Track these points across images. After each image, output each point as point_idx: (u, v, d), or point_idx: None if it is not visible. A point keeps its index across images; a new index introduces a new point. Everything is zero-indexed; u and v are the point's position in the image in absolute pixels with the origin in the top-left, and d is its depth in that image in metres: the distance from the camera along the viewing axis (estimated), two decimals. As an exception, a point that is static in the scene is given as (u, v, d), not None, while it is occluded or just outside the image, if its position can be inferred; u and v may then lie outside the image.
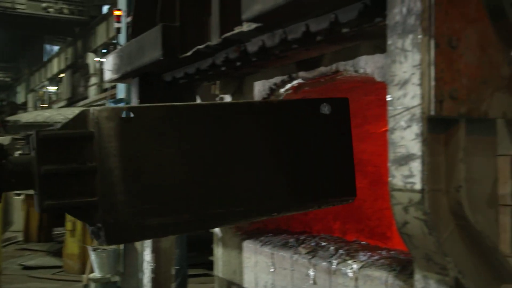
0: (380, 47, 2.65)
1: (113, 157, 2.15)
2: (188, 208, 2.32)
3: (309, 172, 2.57)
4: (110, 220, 2.16)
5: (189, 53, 3.19)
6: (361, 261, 2.78)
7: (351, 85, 3.27)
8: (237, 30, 2.71)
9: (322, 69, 3.04)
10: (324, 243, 3.20)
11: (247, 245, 3.65)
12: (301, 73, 3.21)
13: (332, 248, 3.05)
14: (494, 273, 1.86)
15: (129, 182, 2.19)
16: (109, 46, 20.05)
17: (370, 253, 2.87)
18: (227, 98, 4.08)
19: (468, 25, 1.74)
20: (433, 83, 1.67)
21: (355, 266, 2.76)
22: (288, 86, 3.37)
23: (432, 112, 1.68)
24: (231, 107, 2.61)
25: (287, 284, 3.22)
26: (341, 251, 2.98)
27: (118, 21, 7.33)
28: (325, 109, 2.53)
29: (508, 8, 1.87)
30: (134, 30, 3.78)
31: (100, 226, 2.18)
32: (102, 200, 2.15)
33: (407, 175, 1.74)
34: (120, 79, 4.15)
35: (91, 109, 2.18)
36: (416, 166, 1.71)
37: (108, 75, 4.23)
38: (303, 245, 3.22)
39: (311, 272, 3.02)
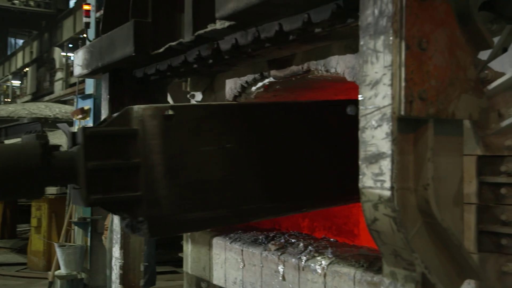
0: (351, 47, 2.70)
1: (156, 153, 2.24)
2: (225, 203, 2.45)
3: (337, 170, 2.70)
4: (153, 214, 2.26)
5: (161, 50, 3.19)
6: (330, 258, 2.82)
7: (321, 84, 3.32)
8: (210, 27, 2.72)
9: (294, 68, 3.08)
10: (293, 240, 3.24)
11: (217, 241, 3.67)
12: (273, 72, 3.25)
13: (301, 244, 3.09)
14: (458, 269, 1.92)
15: (171, 178, 2.28)
16: (77, 41, 19.77)
17: (338, 250, 2.92)
18: (198, 96, 4.09)
19: (437, 28, 1.79)
20: (403, 83, 1.72)
21: (323, 262, 2.80)
22: (260, 84, 3.40)
23: (402, 112, 1.72)
24: (265, 107, 2.74)
25: (256, 281, 3.26)
26: (310, 247, 3.02)
27: (87, 16, 7.25)
28: (351, 109, 2.60)
29: (475, 12, 1.93)
30: (105, 25, 3.75)
31: (142, 220, 2.26)
32: (146, 195, 2.24)
33: (377, 173, 1.78)
34: (90, 74, 4.12)
35: (136, 107, 2.26)
36: (386, 164, 1.75)
37: (78, 70, 4.19)
38: (272, 242, 3.26)
39: (280, 268, 3.06)
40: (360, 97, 1.86)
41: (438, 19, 1.79)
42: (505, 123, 2.12)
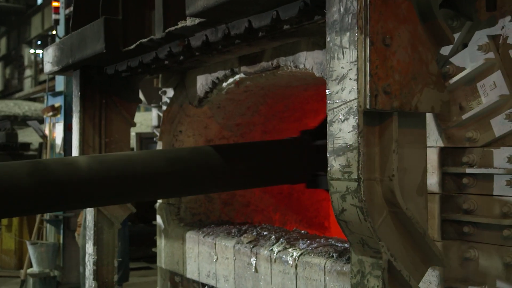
0: (318, 43, 2.76)
1: None
2: None
3: None
4: None
5: (132, 47, 3.22)
6: (301, 249, 2.89)
7: (290, 80, 3.38)
8: (180, 24, 2.76)
9: (264, 64, 3.13)
10: (265, 233, 3.30)
11: (190, 235, 3.72)
12: (243, 68, 3.30)
13: (273, 237, 3.16)
14: (423, 256, 2.00)
15: None
16: (45, 38, 19.51)
17: (309, 241, 2.99)
18: (170, 92, 4.12)
19: (400, 24, 1.86)
20: (368, 78, 1.78)
21: (295, 253, 2.87)
22: (231, 80, 3.45)
23: (368, 106, 1.79)
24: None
25: (229, 273, 3.31)
26: (281, 239, 3.09)
27: (56, 13, 7.19)
28: None
29: (436, 9, 2.01)
30: (75, 23, 3.76)
31: None
32: None
33: (345, 165, 1.85)
34: (60, 71, 4.11)
35: None
36: (353, 156, 1.82)
37: (48, 67, 4.18)
38: (245, 235, 3.31)
39: (253, 260, 3.12)
40: (327, 92, 1.92)
41: (401, 16, 1.86)
42: (466, 115, 2.21)
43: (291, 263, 2.86)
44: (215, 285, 3.46)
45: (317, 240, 3.03)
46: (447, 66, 2.26)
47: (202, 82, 3.64)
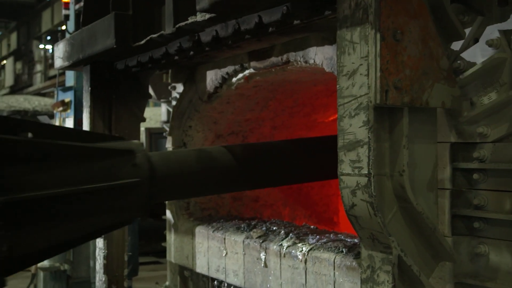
0: (328, 39, 2.76)
1: None
2: None
3: None
4: None
5: (142, 42, 3.22)
6: (310, 244, 2.90)
7: (299, 75, 3.38)
8: (191, 20, 2.76)
9: (273, 59, 3.13)
10: (274, 228, 3.30)
11: (200, 230, 3.73)
12: (253, 63, 3.30)
13: (282, 232, 3.16)
14: (433, 252, 2.00)
15: None
16: (55, 33, 19.58)
17: (318, 236, 2.99)
18: (179, 87, 4.13)
19: (410, 19, 1.86)
20: (379, 73, 1.79)
21: (304, 248, 2.87)
22: (240, 75, 3.45)
23: (378, 101, 1.79)
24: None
25: (239, 268, 3.32)
26: (291, 234, 3.09)
27: (67, 8, 7.22)
28: None
29: (447, 4, 2.00)
30: (86, 18, 3.77)
31: None
32: None
33: (355, 160, 1.85)
34: (71, 67, 4.13)
35: None
36: (363, 151, 1.82)
37: (58, 62, 4.20)
38: (254, 230, 3.32)
39: (262, 255, 3.13)
40: (338, 87, 1.92)
41: (412, 11, 1.86)
42: (476, 111, 2.20)
43: (301, 258, 2.87)
44: (225, 280, 3.48)
45: (327, 235, 3.03)
46: (458, 62, 2.25)
47: (212, 77, 3.64)
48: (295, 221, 4.33)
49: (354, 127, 1.85)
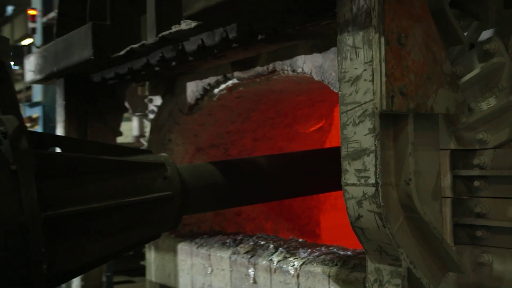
0: (318, 46, 2.69)
1: None
2: None
3: None
4: None
5: (122, 52, 3.11)
6: (302, 258, 2.81)
7: (285, 85, 3.31)
8: (175, 28, 2.67)
9: (259, 68, 3.05)
10: (262, 242, 3.21)
11: (182, 247, 3.61)
12: (236, 73, 3.21)
13: (271, 246, 3.07)
14: (440, 263, 1.93)
15: None
16: (16, 48, 19.14)
17: (309, 250, 2.91)
18: (157, 99, 4.02)
19: (414, 23, 1.80)
20: (384, 79, 1.72)
21: (296, 263, 2.79)
22: (223, 86, 3.36)
23: (384, 108, 1.72)
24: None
25: (225, 285, 3.21)
26: (280, 249, 3.00)
27: (33, 21, 7.04)
28: None
29: (447, 8, 1.96)
30: (60, 29, 3.65)
31: None
32: None
33: (361, 169, 1.78)
34: (43, 80, 3.99)
35: None
36: (369, 160, 1.75)
37: (30, 76, 4.05)
38: (241, 245, 3.22)
39: (251, 271, 3.03)
40: (339, 94, 1.85)
41: (415, 15, 1.81)
42: (475, 117, 2.15)
43: (293, 272, 2.77)
44: (210, 298, 3.36)
45: (318, 248, 2.95)
46: (455, 67, 2.21)
47: (193, 88, 3.54)
48: (278, 234, 4.24)
49: (359, 135, 1.78)
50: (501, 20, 2.14)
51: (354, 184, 1.80)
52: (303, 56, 2.78)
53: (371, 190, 1.75)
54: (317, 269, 2.66)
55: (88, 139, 2.81)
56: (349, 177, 1.82)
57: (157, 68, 3.13)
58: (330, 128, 4.44)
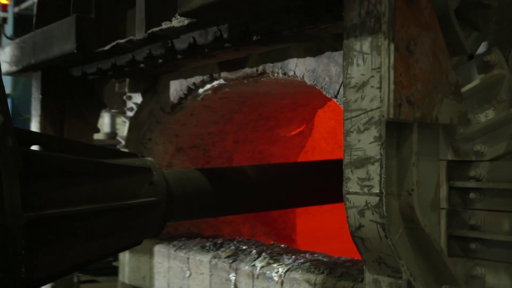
0: (311, 50, 2.65)
1: None
2: None
3: None
4: None
5: (107, 47, 3.02)
6: (287, 264, 2.76)
7: (272, 88, 3.25)
8: (166, 25, 2.59)
9: (247, 70, 2.99)
10: (244, 247, 3.15)
11: (159, 249, 3.52)
12: (224, 74, 3.15)
13: (253, 251, 3.01)
14: (436, 275, 1.90)
15: None
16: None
17: (294, 256, 2.86)
18: (136, 97, 3.92)
19: (423, 31, 1.77)
20: (392, 86, 1.68)
21: (280, 269, 2.73)
22: (208, 86, 3.29)
23: (391, 116, 1.68)
24: None
25: (204, 289, 3.14)
26: (264, 254, 2.94)
27: (4, 10, 6.83)
28: None
29: (452, 16, 1.93)
30: (39, 20, 3.52)
31: None
32: None
33: (364, 178, 1.73)
34: (19, 72, 3.85)
35: None
36: (374, 169, 1.71)
37: (4, 67, 3.90)
38: (222, 249, 3.15)
39: (232, 276, 2.96)
40: (344, 100, 1.81)
41: (424, 22, 1.77)
42: (473, 128, 2.13)
43: (276, 279, 2.72)
44: (188, 302, 3.28)
45: (302, 255, 2.90)
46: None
47: (176, 87, 3.46)
48: (255, 238, 4.19)
49: (364, 142, 1.74)
50: (501, 31, 2.13)
51: (356, 193, 1.76)
52: (295, 59, 2.73)
53: (374, 200, 1.71)
54: (303, 276, 2.61)
55: (72, 139, 2.70)
56: (351, 185, 1.77)
57: (142, 65, 3.04)
58: (310, 133, 4.41)
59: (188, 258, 3.27)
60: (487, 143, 2.11)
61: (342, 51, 2.52)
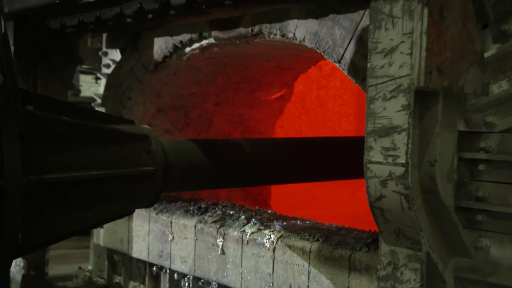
0: (314, 12, 2.55)
1: None
2: None
3: None
4: None
5: (92, -1, 2.83)
6: (279, 231, 2.71)
7: (261, 49, 3.15)
8: (162, -22, 2.44)
9: (242, 30, 2.87)
10: (231, 212, 3.07)
11: (139, 212, 3.41)
12: (215, 33, 3.02)
13: (242, 217, 2.94)
14: (447, 246, 1.88)
15: None
16: None
17: (285, 223, 2.81)
18: (113, 53, 3.75)
19: (454, -4, 1.70)
20: (424, 53, 1.61)
21: (272, 236, 2.68)
22: (196, 45, 3.16)
23: (422, 84, 1.62)
24: None
25: (188, 254, 3.06)
26: (253, 220, 2.88)
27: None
28: None
29: (477, -17, 1.87)
30: (14, -34, 3.27)
31: None
32: None
33: (389, 147, 1.68)
34: (-11, 22, 3.59)
35: None
36: (400, 138, 1.65)
37: (-28, 16, 3.64)
38: (209, 214, 3.07)
39: (219, 241, 2.89)
40: (368, 65, 1.73)
41: (455, -13, 1.70)
42: (485, 99, 2.10)
43: (268, 246, 2.67)
44: (169, 266, 3.20)
45: (293, 221, 2.86)
46: (468, 46, 2.14)
47: (161, 45, 3.31)
48: (232, 201, 4.12)
49: (390, 110, 1.67)
50: (519, 1, 2.08)
51: (379, 163, 1.70)
52: (295, 20, 2.63)
53: (399, 170, 1.65)
54: (297, 243, 2.57)
55: (60, 100, 2.52)
56: (373, 154, 1.71)
57: (129, 20, 2.88)
58: (290, 97, 4.34)
59: (171, 222, 3.18)
60: (499, 115, 2.08)
61: (346, 14, 2.47)
